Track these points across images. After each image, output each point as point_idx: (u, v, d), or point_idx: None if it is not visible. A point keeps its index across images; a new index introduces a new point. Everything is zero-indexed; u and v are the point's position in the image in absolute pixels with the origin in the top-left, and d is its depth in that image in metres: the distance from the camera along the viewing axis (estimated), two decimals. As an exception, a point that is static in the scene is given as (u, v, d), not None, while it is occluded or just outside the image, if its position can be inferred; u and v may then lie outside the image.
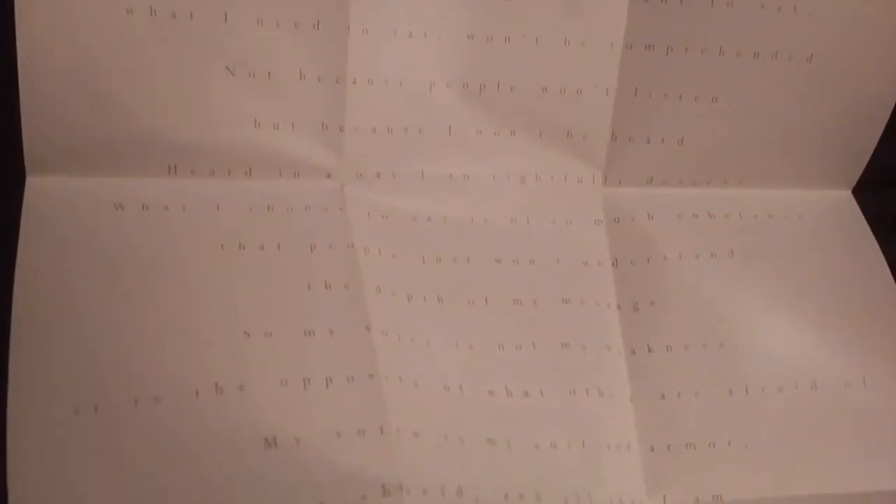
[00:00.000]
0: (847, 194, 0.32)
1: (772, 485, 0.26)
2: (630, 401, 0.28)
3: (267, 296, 0.25)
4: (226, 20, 0.26)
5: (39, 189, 0.26)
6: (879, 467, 0.26)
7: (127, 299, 0.24)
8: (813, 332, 0.28)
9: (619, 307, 0.29)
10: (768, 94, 0.30)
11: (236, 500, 0.21)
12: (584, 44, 0.29)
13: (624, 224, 0.31)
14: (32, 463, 0.21)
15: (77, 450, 0.21)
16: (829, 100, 0.30)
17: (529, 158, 0.30)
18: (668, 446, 0.27)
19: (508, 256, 0.29)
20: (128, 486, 0.21)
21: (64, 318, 0.23)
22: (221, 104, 0.26)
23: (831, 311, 0.29)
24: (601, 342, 0.28)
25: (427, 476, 0.22)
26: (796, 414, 0.27)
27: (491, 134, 0.30)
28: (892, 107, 0.31)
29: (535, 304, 0.29)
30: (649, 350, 0.29)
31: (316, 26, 0.27)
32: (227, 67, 0.26)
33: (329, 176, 0.29)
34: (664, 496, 0.26)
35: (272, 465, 0.22)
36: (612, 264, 0.30)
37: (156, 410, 0.22)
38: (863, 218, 0.31)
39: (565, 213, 0.30)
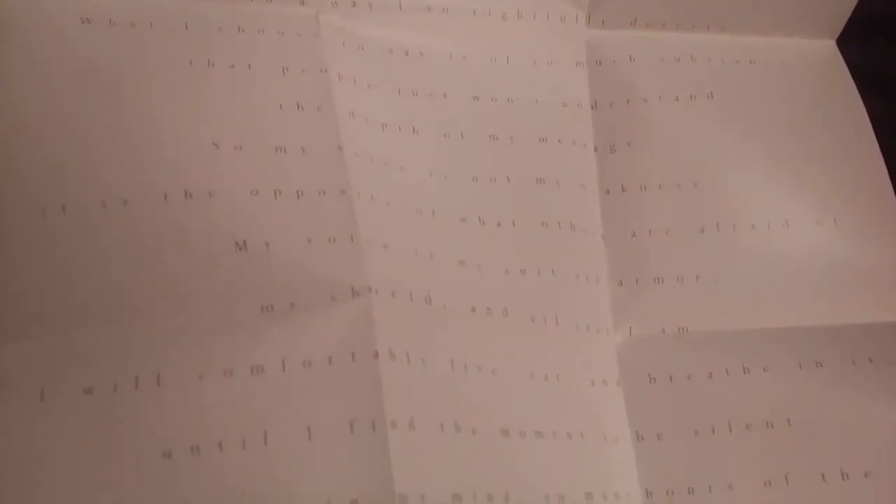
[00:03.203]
0: (831, 44, 0.32)
1: (738, 318, 0.27)
2: (601, 238, 0.28)
3: (236, 111, 0.24)
4: None
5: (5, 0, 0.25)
6: (845, 303, 0.27)
7: (93, 107, 0.23)
8: (788, 174, 0.28)
9: (595, 148, 0.29)
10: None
11: (205, 298, 0.21)
12: None
13: (605, 67, 0.30)
14: None
15: (44, 250, 0.21)
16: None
17: (511, -6, 0.30)
18: (637, 281, 0.27)
19: (486, 94, 0.29)
20: (96, 286, 0.21)
21: (29, 121, 0.23)
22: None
23: (808, 154, 0.29)
24: (576, 180, 0.28)
25: (396, 282, 0.23)
26: (767, 250, 0.27)
27: (472, -35, 0.29)
28: (883, -48, 0.30)
29: (511, 141, 0.28)
30: (623, 190, 0.29)
31: None
32: None
33: (302, 3, 0.28)
34: (630, 327, 0.27)
35: (242, 265, 0.22)
36: (592, 107, 0.30)
37: (124, 212, 0.22)
38: (846, 68, 0.31)
39: (546, 53, 0.30)
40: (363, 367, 0.21)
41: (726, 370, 0.26)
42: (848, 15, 0.31)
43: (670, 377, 0.26)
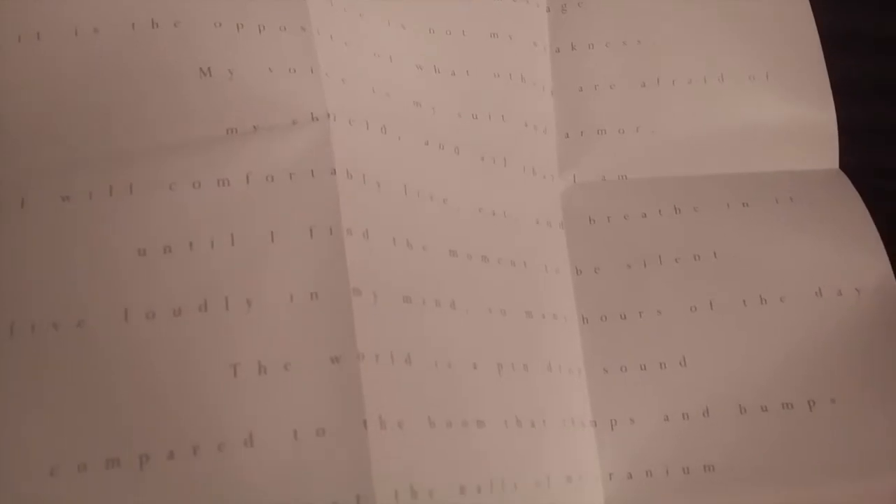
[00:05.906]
0: None
1: (674, 166, 0.29)
2: (551, 94, 0.30)
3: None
4: None
5: None
6: (773, 152, 0.29)
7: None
8: (725, 33, 0.30)
9: (548, 9, 0.31)
10: None
11: (172, 119, 0.23)
12: None
13: (558, -72, 0.31)
14: None
15: (21, 75, 0.23)
16: None
17: None
18: (582, 133, 0.29)
19: (443, -50, 0.30)
20: (70, 106, 0.23)
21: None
22: None
23: (744, 15, 0.30)
24: (528, 37, 0.30)
25: (353, 112, 0.24)
26: (702, 103, 0.29)
27: None
28: None
29: (466, -4, 0.30)
30: (573, 48, 0.30)
31: None
32: None
33: None
34: (574, 175, 0.29)
35: (207, 90, 0.23)
36: (545, -32, 0.31)
37: (95, 40, 0.23)
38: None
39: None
40: (321, 182, 0.22)
41: (659, 211, 0.28)
42: None
43: (608, 218, 0.28)
